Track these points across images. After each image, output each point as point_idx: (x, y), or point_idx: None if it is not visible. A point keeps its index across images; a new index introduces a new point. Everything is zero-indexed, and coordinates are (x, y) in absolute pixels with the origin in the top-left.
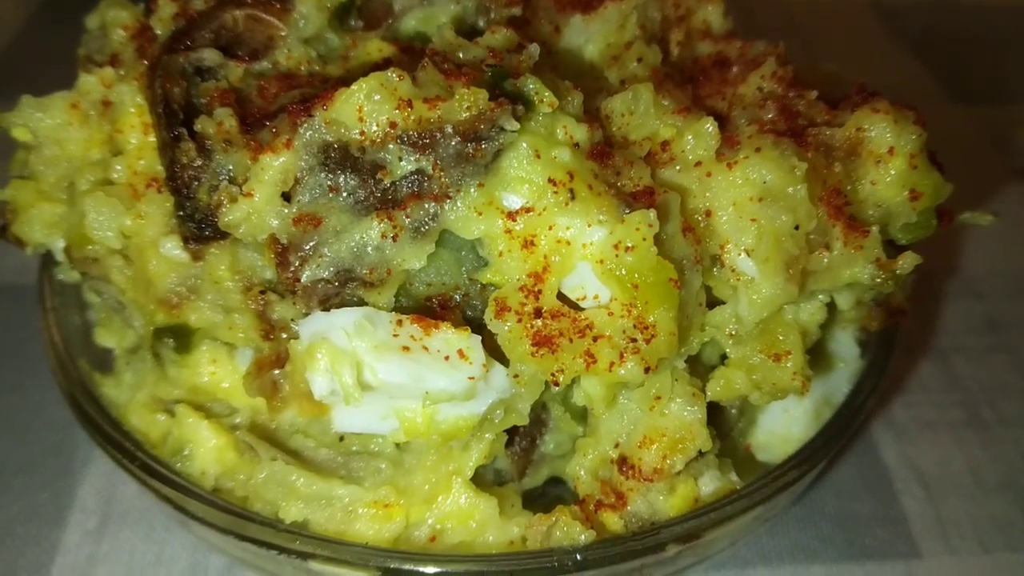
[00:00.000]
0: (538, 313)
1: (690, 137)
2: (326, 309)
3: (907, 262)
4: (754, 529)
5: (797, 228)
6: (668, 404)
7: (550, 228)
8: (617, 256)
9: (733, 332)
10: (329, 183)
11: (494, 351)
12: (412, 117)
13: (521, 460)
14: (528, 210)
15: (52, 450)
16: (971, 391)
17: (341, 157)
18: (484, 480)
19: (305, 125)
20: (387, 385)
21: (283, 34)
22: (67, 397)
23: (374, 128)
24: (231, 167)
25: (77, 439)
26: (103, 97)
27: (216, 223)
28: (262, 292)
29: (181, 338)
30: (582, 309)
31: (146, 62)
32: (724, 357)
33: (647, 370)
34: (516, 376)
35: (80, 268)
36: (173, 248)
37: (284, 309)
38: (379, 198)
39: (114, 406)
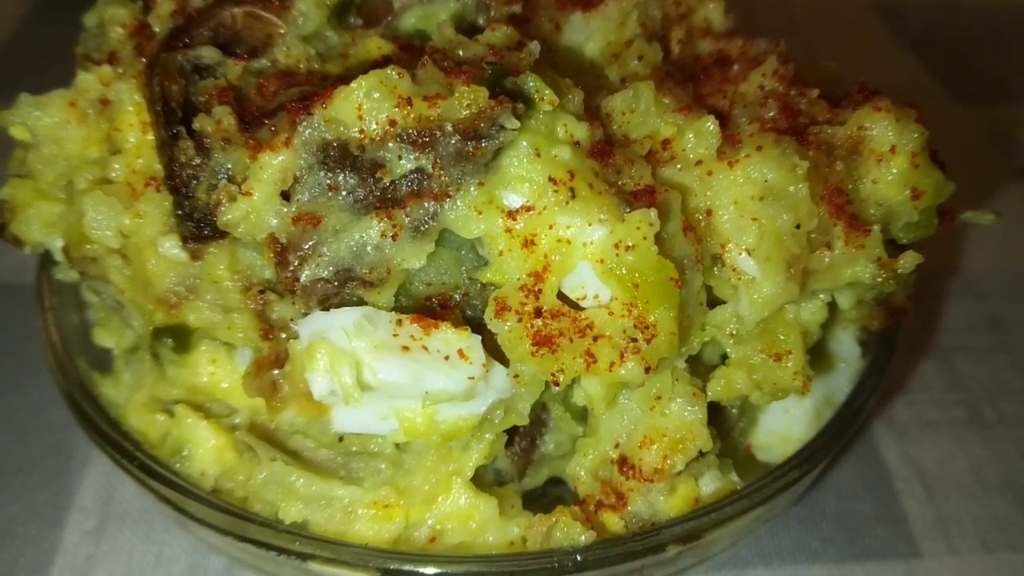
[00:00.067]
0: (538, 313)
1: (691, 135)
2: (325, 309)
3: (908, 261)
4: (755, 529)
5: (798, 227)
6: (668, 404)
7: (550, 227)
8: (617, 255)
9: (734, 332)
10: (328, 182)
11: (494, 351)
12: (412, 115)
13: (521, 460)
14: (528, 209)
15: (51, 450)
16: (972, 390)
17: (340, 156)
18: (484, 480)
19: (304, 123)
20: (387, 385)
21: (282, 32)
22: (65, 397)
23: (373, 126)
24: (230, 166)
25: (76, 439)
26: (101, 95)
27: (215, 222)
28: (261, 292)
29: (180, 338)
30: (582, 309)
31: (144, 60)
32: (725, 357)
33: (647, 370)
34: (516, 376)
35: (78, 267)
36: (172, 247)
37: (283, 309)
38: (379, 197)
39: (113, 406)
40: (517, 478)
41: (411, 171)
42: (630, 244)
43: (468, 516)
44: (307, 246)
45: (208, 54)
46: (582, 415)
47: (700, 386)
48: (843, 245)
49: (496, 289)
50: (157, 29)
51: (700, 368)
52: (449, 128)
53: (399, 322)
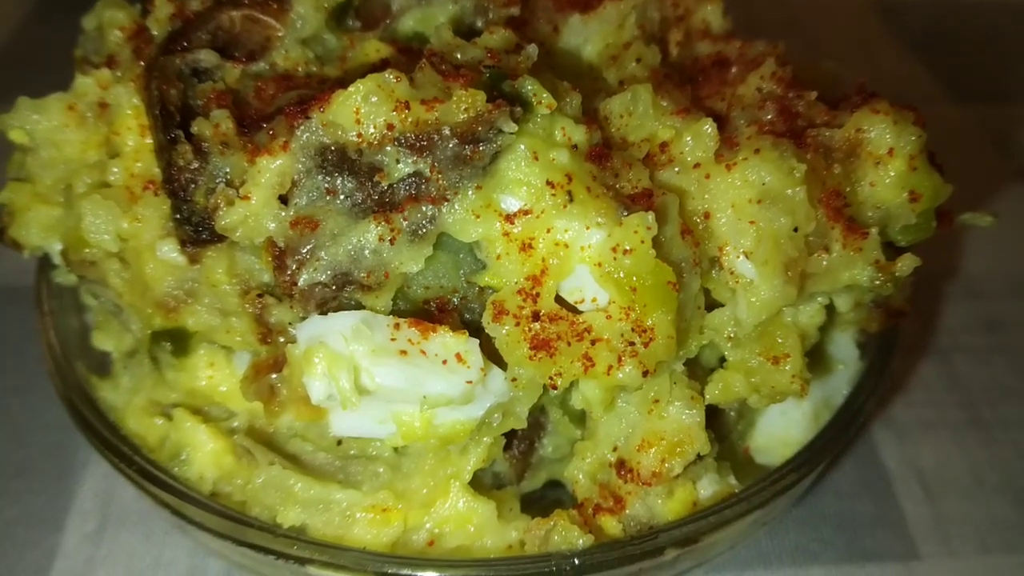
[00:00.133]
0: (536, 316)
1: (689, 138)
2: (323, 313)
3: (906, 264)
4: (753, 532)
5: (796, 230)
6: (666, 407)
7: (548, 230)
8: (615, 259)
9: (732, 335)
10: (326, 186)
11: (492, 354)
12: (409, 119)
13: (519, 464)
14: (526, 212)
15: (50, 452)
16: (971, 391)
17: (338, 159)
18: (482, 484)
19: (302, 127)
20: (385, 389)
21: (280, 35)
22: (64, 400)
23: (371, 130)
24: (228, 170)
25: (75, 441)
26: (100, 99)
27: (213, 226)
28: (259, 295)
29: (178, 341)
30: (580, 312)
31: (143, 63)
32: (723, 360)
33: (645, 373)
34: (514, 379)
35: (77, 271)
36: (170, 251)
37: (281, 312)
38: (376, 201)
39: (112, 410)
40: (515, 481)
41: (409, 175)
42: (628, 247)
43: (466, 519)
44: (305, 250)
45: (206, 57)
46: (580, 418)
47: (698, 389)
48: (841, 248)
49: (494, 293)
50: (155, 32)
51: (698, 371)
52: (447, 132)
53: (397, 326)
